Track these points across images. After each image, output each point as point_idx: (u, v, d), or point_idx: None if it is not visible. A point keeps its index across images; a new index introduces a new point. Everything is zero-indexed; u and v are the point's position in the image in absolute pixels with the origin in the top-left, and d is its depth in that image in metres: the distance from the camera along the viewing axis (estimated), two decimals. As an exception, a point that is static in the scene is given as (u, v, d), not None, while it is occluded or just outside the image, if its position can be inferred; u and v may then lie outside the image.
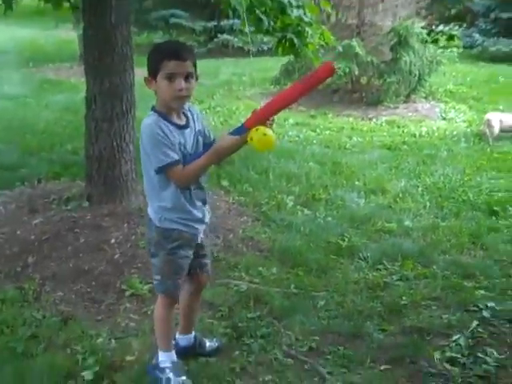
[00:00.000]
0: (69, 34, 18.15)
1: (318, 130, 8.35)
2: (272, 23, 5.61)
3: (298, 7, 5.80)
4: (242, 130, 2.60)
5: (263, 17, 5.55)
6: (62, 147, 7.11)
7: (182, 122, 2.78)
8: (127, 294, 3.93)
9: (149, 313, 3.69)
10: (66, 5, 6.94)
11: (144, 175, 2.80)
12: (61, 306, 3.79)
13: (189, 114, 2.83)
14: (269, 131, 2.60)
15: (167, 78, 2.63)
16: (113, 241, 4.50)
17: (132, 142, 5.07)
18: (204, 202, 2.94)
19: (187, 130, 2.77)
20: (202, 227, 2.95)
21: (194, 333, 3.27)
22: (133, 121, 5.06)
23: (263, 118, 2.61)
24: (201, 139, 2.84)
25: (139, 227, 4.65)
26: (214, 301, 3.82)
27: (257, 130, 2.58)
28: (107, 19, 4.80)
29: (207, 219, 2.97)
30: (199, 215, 2.88)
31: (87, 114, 5.09)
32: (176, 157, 2.66)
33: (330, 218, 5.18)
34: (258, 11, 5.55)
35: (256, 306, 3.77)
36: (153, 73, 2.67)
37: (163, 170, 2.67)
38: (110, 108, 4.92)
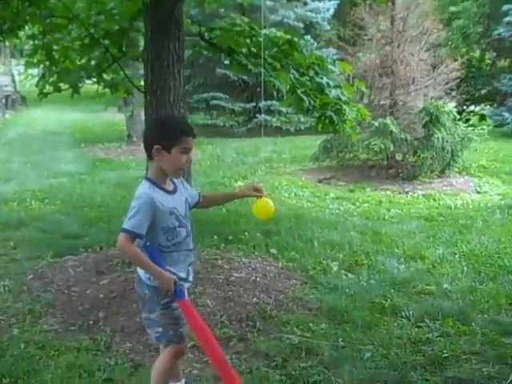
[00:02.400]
0: (114, 116, 19.24)
1: (357, 203, 8.75)
2: (312, 102, 6.12)
3: (336, 87, 6.33)
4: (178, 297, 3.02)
5: (304, 96, 6.08)
6: (118, 219, 7.61)
7: (171, 188, 3.09)
8: (189, 345, 4.29)
9: (209, 362, 4.05)
10: (122, 89, 7.70)
11: None
12: (131, 355, 4.17)
13: (175, 181, 3.14)
14: (270, 202, 3.19)
15: (184, 152, 2.97)
16: (174, 299, 4.92)
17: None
18: (189, 263, 3.18)
19: (176, 194, 3.09)
20: (186, 285, 3.19)
21: (184, 378, 3.55)
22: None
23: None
24: (189, 200, 3.20)
25: (197, 288, 5.07)
26: (268, 352, 4.16)
27: (260, 199, 3.18)
28: (166, 99, 5.37)
29: (191, 278, 3.22)
30: (183, 275, 3.10)
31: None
32: (142, 233, 2.90)
33: (372, 281, 5.52)
34: (299, 91, 6.10)
35: (307, 357, 4.10)
36: (169, 145, 2.94)
37: (124, 231, 2.89)
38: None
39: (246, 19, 6.79)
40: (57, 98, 6.92)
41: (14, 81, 24.68)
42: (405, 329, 4.56)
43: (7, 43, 11.39)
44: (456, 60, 12.34)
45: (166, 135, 2.96)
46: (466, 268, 5.90)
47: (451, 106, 11.67)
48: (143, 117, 14.24)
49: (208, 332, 3.14)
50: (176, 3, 5.29)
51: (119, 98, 16.13)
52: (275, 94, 6.64)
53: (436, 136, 10.35)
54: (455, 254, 6.35)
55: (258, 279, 5.40)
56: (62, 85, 6.79)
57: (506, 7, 17.10)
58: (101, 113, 20.55)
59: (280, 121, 15.97)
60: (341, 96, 6.30)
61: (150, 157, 3.02)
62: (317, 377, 3.83)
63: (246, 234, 6.84)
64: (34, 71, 7.28)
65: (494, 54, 21.43)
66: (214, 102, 16.50)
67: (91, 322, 4.63)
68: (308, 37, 16.15)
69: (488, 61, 22.30)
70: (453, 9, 21.74)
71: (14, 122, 19.36)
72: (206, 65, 15.49)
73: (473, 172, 11.04)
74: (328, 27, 17.96)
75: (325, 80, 6.25)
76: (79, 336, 4.41)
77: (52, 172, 10.94)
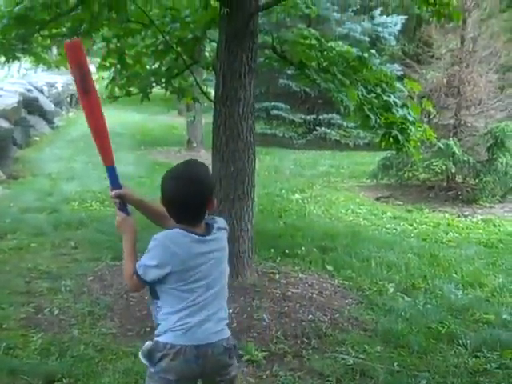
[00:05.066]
0: (174, 120, 19.51)
1: (414, 224, 8.66)
2: (378, 120, 6.10)
3: (403, 106, 6.29)
4: (111, 174, 2.68)
5: (370, 114, 6.06)
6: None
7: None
8: (244, 358, 4.35)
9: (264, 377, 4.11)
10: (189, 96, 7.82)
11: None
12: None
13: None
14: None
15: None
16: (230, 311, 4.94)
17: (251, 222, 5.59)
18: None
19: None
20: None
21: None
22: (252, 203, 5.59)
23: (105, 148, 2.68)
24: None
25: (254, 301, 5.15)
26: (323, 371, 4.19)
27: None
28: (236, 109, 5.42)
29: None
30: None
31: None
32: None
33: (429, 306, 5.47)
34: (366, 109, 6.08)
35: (362, 379, 4.11)
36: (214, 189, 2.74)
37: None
38: (233, 190, 5.47)
39: (313, 31, 6.83)
40: (120, 99, 7.08)
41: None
42: (462, 357, 4.51)
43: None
44: (525, 84, 12.09)
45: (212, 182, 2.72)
46: (526, 299, 5.79)
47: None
48: (204, 122, 14.53)
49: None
50: (252, 16, 5.34)
51: (180, 101, 16.49)
52: (342, 109, 6.66)
53: (500, 160, 10.18)
54: (516, 283, 6.23)
55: (314, 296, 5.43)
56: (131, 89, 6.92)
57: None
58: (161, 115, 20.87)
59: (339, 135, 15.94)
60: (407, 116, 6.25)
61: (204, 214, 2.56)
62: (371, 400, 3.84)
63: (303, 248, 6.87)
64: (105, 74, 7.43)
65: None
66: (275, 111, 16.55)
67: (148, 329, 4.69)
68: (373, 51, 16.04)
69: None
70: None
71: (77, 121, 19.78)
72: (269, 74, 15.56)
73: (536, 199, 10.78)
74: (394, 42, 17.81)
75: (392, 98, 6.20)
76: (136, 342, 4.46)
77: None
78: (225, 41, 5.41)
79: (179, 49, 6.42)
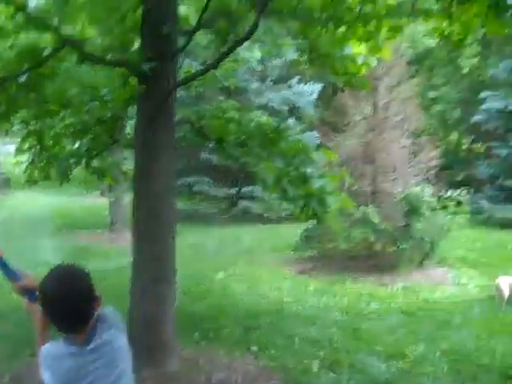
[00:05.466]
0: (96, 201, 19.28)
1: (337, 297, 8.76)
2: (296, 192, 6.20)
3: (320, 177, 6.42)
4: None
5: (288, 187, 6.17)
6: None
7: None
8: None
9: None
10: (109, 176, 7.78)
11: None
12: None
13: None
14: None
15: None
16: (153, 403, 4.89)
17: (172, 306, 5.54)
18: None
19: None
20: None
21: None
22: (173, 285, 5.56)
23: None
24: None
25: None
26: None
27: None
28: (155, 188, 5.41)
29: None
30: None
31: (132, 277, 5.57)
32: None
33: (352, 381, 5.51)
34: (284, 181, 6.18)
35: None
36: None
37: None
38: (154, 273, 5.42)
39: (232, 102, 6.97)
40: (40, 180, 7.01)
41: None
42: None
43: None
44: (435, 148, 12.60)
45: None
46: (446, 367, 5.92)
47: (430, 192, 11.89)
48: (127, 202, 14.40)
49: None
50: (170, 92, 5.38)
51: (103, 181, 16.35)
52: (260, 184, 6.73)
53: (415, 226, 10.50)
54: (435, 351, 6.35)
55: (238, 381, 5.39)
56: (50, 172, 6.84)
57: (483, 94, 17.63)
58: (83, 196, 20.61)
59: (262, 208, 16.12)
60: (325, 186, 6.34)
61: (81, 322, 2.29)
62: None
63: (227, 330, 6.83)
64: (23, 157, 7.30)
65: (471, 139, 22.07)
66: (197, 187, 16.63)
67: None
68: (292, 119, 16.49)
69: (465, 146, 22.95)
70: (432, 94, 22.46)
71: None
72: (190, 148, 15.66)
73: (451, 262, 11.14)
74: (312, 110, 18.35)
75: (309, 170, 6.29)
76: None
77: (31, 262, 10.80)
78: (143, 118, 5.45)
79: (98, 128, 6.43)
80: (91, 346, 2.27)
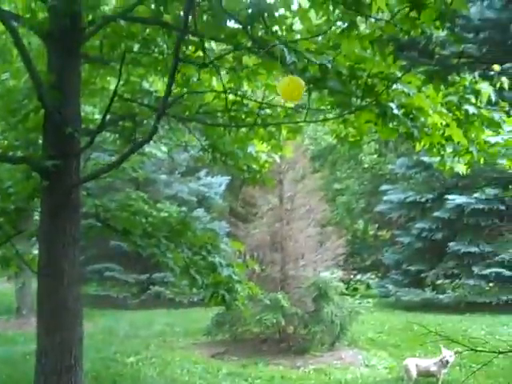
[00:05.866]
0: (3, 286, 18.53)
1: (249, 380, 8.74)
2: (205, 281, 6.28)
3: (228, 266, 6.55)
4: None
5: (197, 276, 6.25)
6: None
7: None
8: None
9: None
10: (14, 265, 7.62)
11: None
12: None
13: None
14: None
15: None
16: None
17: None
18: None
19: None
20: None
21: None
22: (81, 373, 5.40)
23: None
24: None
25: None
26: None
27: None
28: (60, 281, 5.30)
29: None
30: None
31: (37, 366, 5.36)
32: None
33: None
34: (192, 270, 6.27)
35: None
36: None
37: None
38: (60, 361, 5.25)
39: (140, 193, 7.05)
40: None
41: None
42: None
43: None
44: (341, 237, 13.08)
45: None
46: None
47: (339, 277, 12.19)
48: (34, 288, 13.95)
49: None
50: (73, 187, 5.39)
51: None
52: (170, 272, 6.77)
53: (325, 310, 10.69)
54: None
55: None
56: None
57: (384, 187, 18.61)
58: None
59: (174, 292, 15.97)
60: (232, 275, 6.48)
61: None
62: None
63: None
64: None
65: (376, 226, 22.92)
66: (108, 273, 16.37)
67: None
68: (201, 209, 16.70)
69: (371, 232, 23.80)
70: (337, 186, 23.43)
71: None
72: (99, 236, 15.48)
73: (361, 344, 11.35)
74: (220, 201, 18.73)
75: (217, 259, 6.44)
76: None
77: None
78: (47, 212, 5.40)
79: (1, 219, 6.33)
80: None
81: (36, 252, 8.56)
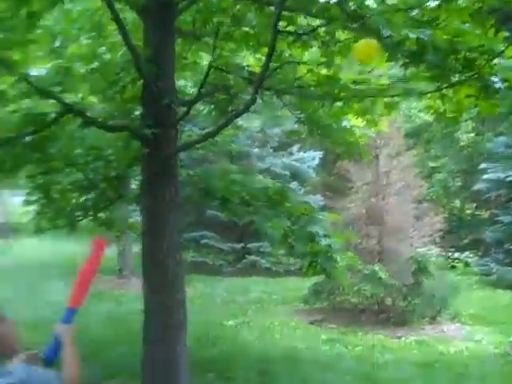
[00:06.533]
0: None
1: (349, 347, 8.66)
2: (303, 249, 6.22)
3: (326, 236, 6.44)
4: (73, 313, 2.93)
5: (295, 244, 6.20)
6: (110, 355, 7.50)
7: None
8: None
9: None
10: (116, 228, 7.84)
11: None
12: None
13: None
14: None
15: None
16: None
17: (184, 352, 5.52)
18: None
19: None
20: None
21: None
22: (185, 332, 5.54)
23: (82, 294, 3.05)
24: None
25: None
26: None
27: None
28: (161, 245, 5.47)
29: None
30: None
31: (144, 324, 5.59)
32: None
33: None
34: (290, 239, 6.22)
35: None
36: None
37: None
38: (165, 320, 5.45)
39: (234, 166, 7.05)
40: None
41: (5, 210, 24.98)
42: None
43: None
44: (438, 214, 12.71)
45: None
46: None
47: (435, 253, 11.89)
48: (134, 252, 14.44)
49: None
50: (172, 155, 5.52)
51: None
52: (267, 241, 6.76)
53: (425, 283, 10.46)
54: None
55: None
56: (59, 222, 6.89)
57: (482, 166, 17.98)
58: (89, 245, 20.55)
59: (270, 262, 16.06)
60: (331, 245, 6.37)
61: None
62: None
63: (241, 373, 6.72)
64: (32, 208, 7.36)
65: (474, 205, 22.18)
66: (204, 240, 16.62)
67: None
68: (295, 183, 16.62)
69: (468, 211, 23.04)
70: (432, 164, 22.78)
71: (3, 252, 19.39)
72: (195, 205, 15.74)
73: (464, 320, 11.01)
74: (313, 175, 18.56)
75: (315, 229, 6.33)
76: None
77: (41, 304, 10.76)
78: (147, 179, 5.57)
79: (104, 185, 6.51)
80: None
81: (136, 218, 8.83)
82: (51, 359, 2.71)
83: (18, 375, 2.48)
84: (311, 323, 10.37)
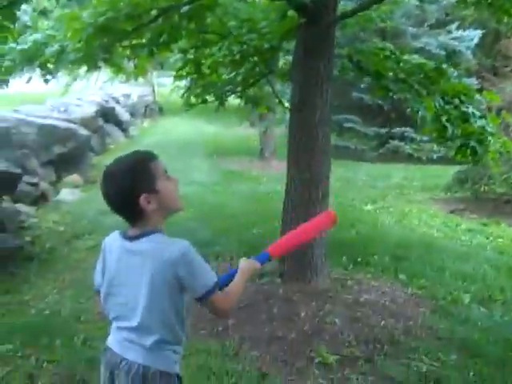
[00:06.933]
0: (247, 131, 19.71)
1: (490, 238, 8.39)
2: (455, 131, 5.97)
3: (481, 117, 6.14)
4: (266, 258, 2.70)
5: (448, 124, 5.94)
6: (248, 231, 7.80)
7: None
8: (316, 361, 4.34)
9: (335, 379, 4.08)
10: (264, 105, 7.88)
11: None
12: (258, 363, 4.28)
13: None
14: None
15: (166, 177, 2.33)
16: (303, 314, 5.00)
17: (326, 229, 5.56)
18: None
19: None
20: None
21: None
22: (326, 208, 5.53)
23: (286, 249, 2.84)
24: None
25: (326, 305, 5.14)
26: (395, 377, 4.13)
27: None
28: (312, 117, 5.41)
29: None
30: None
31: (286, 199, 5.69)
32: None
33: (507, 318, 5.29)
34: (443, 119, 5.97)
35: (435, 387, 4.03)
36: (151, 184, 2.25)
37: (214, 290, 2.29)
38: (308, 195, 5.48)
39: (388, 44, 6.75)
40: (194, 110, 7.26)
41: (154, 91, 26.02)
42: (541, 372, 4.34)
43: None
44: None
45: (140, 177, 2.25)
46: None
47: None
48: (276, 133, 14.67)
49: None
50: (330, 25, 5.33)
51: (253, 113, 16.65)
52: (418, 120, 6.55)
53: None
54: None
55: (386, 303, 5.36)
56: (208, 97, 7.03)
57: None
58: (234, 127, 21.11)
59: (412, 148, 15.70)
60: (486, 127, 6.10)
61: (136, 217, 2.28)
62: (445, 408, 3.75)
63: (375, 257, 6.78)
64: (181, 83, 7.53)
65: None
66: (348, 124, 16.45)
67: (220, 329, 4.78)
68: (448, 65, 15.74)
69: None
70: None
71: (151, 130, 20.37)
72: (342, 87, 15.44)
73: None
74: (471, 56, 17.43)
75: (470, 109, 6.07)
76: (209, 341, 4.59)
77: (186, 180, 11.31)
78: (303, 50, 5.41)
79: (256, 58, 6.48)
80: (131, 243, 2.30)
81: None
82: (220, 286, 2.70)
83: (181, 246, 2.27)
84: (451, 212, 10.12)
